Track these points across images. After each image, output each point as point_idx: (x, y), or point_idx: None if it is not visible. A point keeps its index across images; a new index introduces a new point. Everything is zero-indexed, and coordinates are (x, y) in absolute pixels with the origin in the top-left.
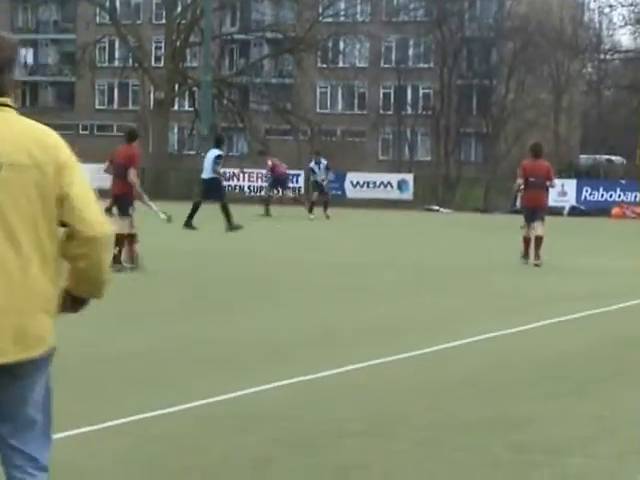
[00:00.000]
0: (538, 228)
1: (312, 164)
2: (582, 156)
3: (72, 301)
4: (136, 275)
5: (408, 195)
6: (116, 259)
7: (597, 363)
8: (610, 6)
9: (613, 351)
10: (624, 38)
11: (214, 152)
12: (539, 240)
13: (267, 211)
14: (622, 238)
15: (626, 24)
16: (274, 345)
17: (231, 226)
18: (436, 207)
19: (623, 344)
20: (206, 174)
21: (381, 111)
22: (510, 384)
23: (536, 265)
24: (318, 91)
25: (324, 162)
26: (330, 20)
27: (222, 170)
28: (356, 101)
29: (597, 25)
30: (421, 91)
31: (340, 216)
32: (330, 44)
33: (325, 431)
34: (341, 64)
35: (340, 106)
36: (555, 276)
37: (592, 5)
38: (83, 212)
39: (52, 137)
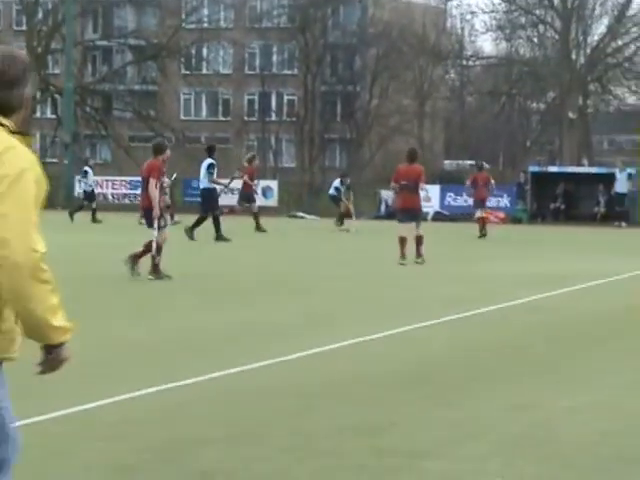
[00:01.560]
0: (418, 229)
1: (337, 183)
2: (446, 161)
3: (45, 353)
4: None
5: (272, 201)
6: (156, 268)
7: (456, 368)
8: (472, 13)
9: (471, 356)
10: (486, 44)
11: (207, 162)
12: (420, 239)
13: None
14: (485, 244)
15: (487, 30)
16: (136, 351)
17: (219, 237)
18: (301, 214)
19: (481, 349)
20: (202, 184)
21: (245, 117)
22: (373, 389)
23: (417, 263)
24: (182, 98)
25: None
26: (193, 26)
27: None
28: (220, 108)
29: (459, 31)
30: (285, 97)
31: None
32: (193, 51)
33: (189, 437)
34: (205, 71)
35: (204, 113)
36: (419, 281)
37: (454, 12)
38: (6, 232)
39: (4, 152)
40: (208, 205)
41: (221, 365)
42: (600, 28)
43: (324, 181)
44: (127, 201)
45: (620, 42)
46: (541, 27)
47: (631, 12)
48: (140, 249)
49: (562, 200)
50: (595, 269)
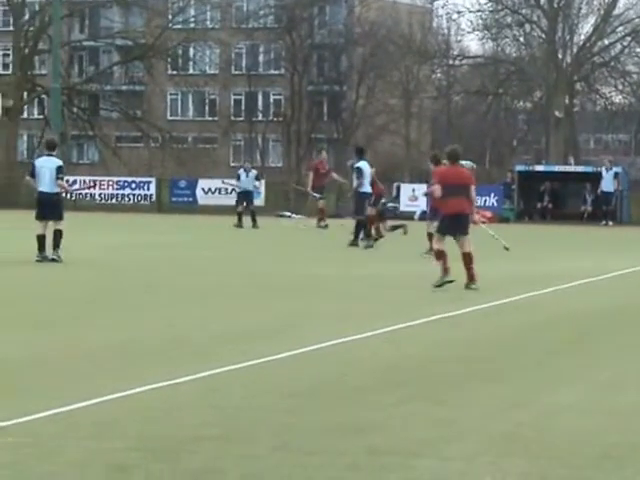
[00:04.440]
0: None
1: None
2: None
3: None
4: None
5: (259, 201)
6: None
7: (443, 367)
8: (458, 12)
9: (458, 355)
10: (472, 44)
11: (360, 164)
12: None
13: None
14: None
15: (474, 30)
16: (128, 351)
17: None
18: (288, 213)
19: (468, 348)
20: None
21: (232, 117)
22: (360, 389)
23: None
24: (169, 98)
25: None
26: (180, 27)
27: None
28: (207, 108)
29: (445, 31)
30: (272, 97)
31: (194, 223)
32: (180, 51)
33: (181, 436)
34: (191, 71)
35: (191, 113)
36: (407, 280)
37: (440, 11)
38: None
39: None
40: (360, 208)
41: (213, 364)
42: (586, 27)
43: None
44: (114, 201)
45: (606, 41)
46: (527, 26)
47: (617, 11)
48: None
49: (549, 199)
50: (582, 268)
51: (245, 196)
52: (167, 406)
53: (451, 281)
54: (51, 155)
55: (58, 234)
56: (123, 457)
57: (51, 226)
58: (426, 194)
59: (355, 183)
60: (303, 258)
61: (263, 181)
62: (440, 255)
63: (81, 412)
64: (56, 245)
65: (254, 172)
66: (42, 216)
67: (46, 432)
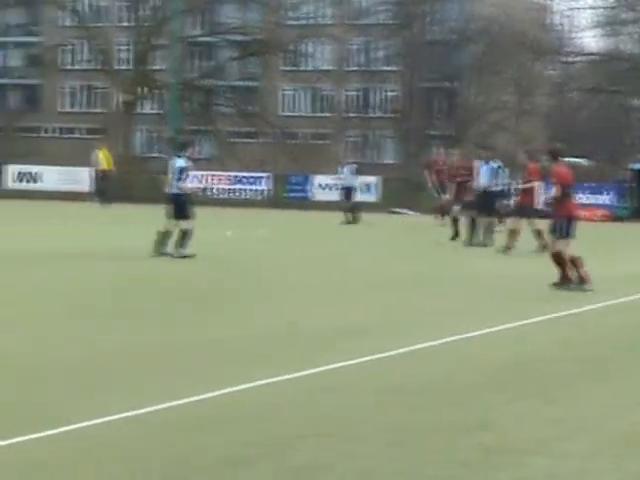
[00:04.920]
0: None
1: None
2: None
3: None
4: None
5: (373, 197)
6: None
7: (554, 366)
8: (575, 9)
9: (569, 355)
10: (588, 41)
11: (495, 164)
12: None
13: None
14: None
15: (591, 27)
16: (237, 346)
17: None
18: (403, 210)
19: (579, 348)
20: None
21: (346, 114)
22: (470, 388)
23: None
24: (283, 93)
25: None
26: (295, 23)
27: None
28: (321, 104)
29: (561, 27)
30: (386, 93)
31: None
32: (295, 47)
33: (288, 434)
34: (305, 67)
35: (304, 108)
36: (516, 282)
37: (555, 7)
38: None
39: None
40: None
41: (324, 360)
42: None
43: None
44: (229, 196)
45: None
46: None
47: None
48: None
49: None
50: None
51: (348, 191)
52: (274, 404)
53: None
54: (179, 155)
55: (183, 234)
56: (229, 453)
57: (178, 225)
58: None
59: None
60: (410, 255)
61: (363, 177)
62: (577, 261)
63: (189, 407)
64: (180, 244)
65: (354, 167)
66: (169, 214)
67: (155, 424)
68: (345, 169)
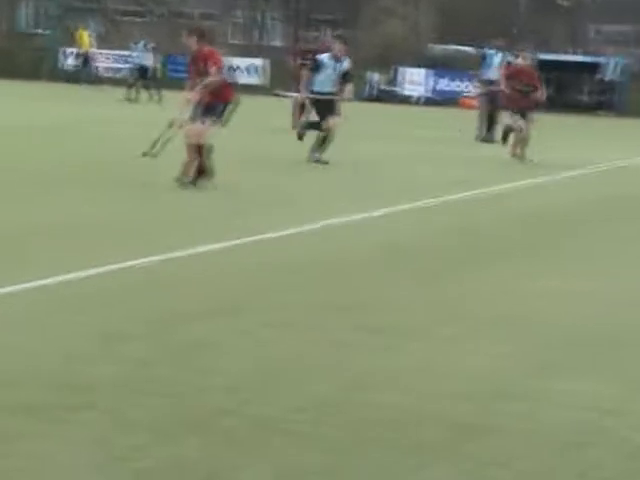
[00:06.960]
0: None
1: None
2: (436, 46)
3: None
4: None
5: (259, 80)
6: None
7: (438, 252)
8: None
9: (451, 240)
10: None
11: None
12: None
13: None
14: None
15: None
16: (118, 228)
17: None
18: (288, 93)
19: (458, 234)
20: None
21: None
22: (356, 268)
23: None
24: None
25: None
26: None
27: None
28: None
29: None
30: None
31: None
32: None
33: (178, 310)
34: None
35: None
36: (423, 165)
37: None
38: None
39: None
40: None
41: (201, 241)
42: None
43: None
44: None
45: None
46: None
47: None
48: None
49: (553, 88)
50: (581, 157)
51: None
52: (164, 280)
53: None
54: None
55: None
56: (121, 327)
57: None
58: None
59: None
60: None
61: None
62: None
63: (82, 282)
64: None
65: (150, 44)
66: None
67: (34, 300)
68: (140, 46)
